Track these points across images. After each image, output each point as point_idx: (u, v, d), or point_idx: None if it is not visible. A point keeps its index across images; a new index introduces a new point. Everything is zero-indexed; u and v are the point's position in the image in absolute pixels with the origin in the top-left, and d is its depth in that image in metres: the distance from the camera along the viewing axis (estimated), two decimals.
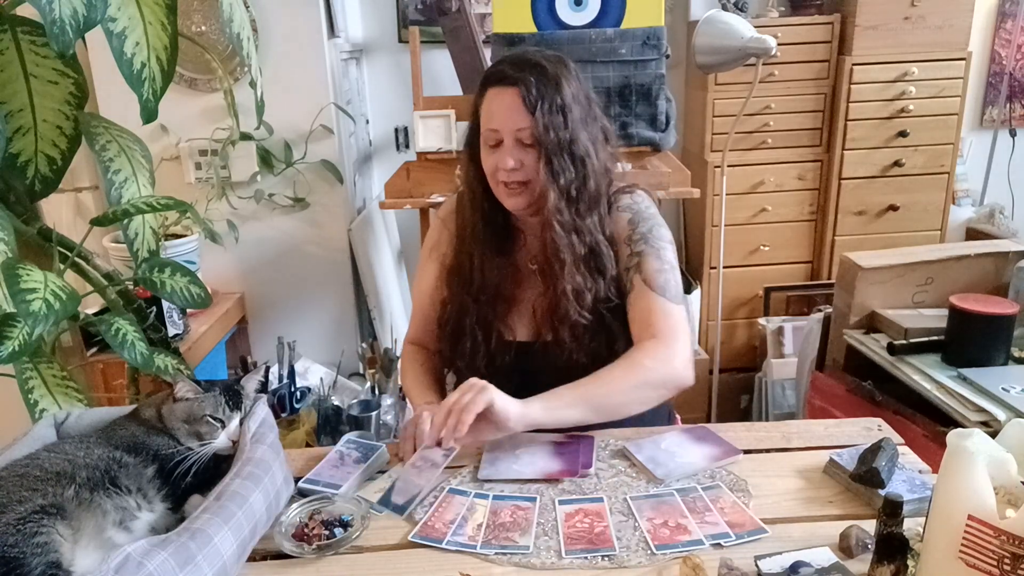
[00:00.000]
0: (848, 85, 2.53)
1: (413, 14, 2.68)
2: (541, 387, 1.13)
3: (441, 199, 2.10)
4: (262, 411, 1.04)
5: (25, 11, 1.22)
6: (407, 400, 1.39)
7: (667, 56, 2.15)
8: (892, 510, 0.80)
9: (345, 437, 1.19)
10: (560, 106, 1.18)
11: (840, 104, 2.56)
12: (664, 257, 1.25)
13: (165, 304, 1.85)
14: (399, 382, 2.31)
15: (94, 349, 1.81)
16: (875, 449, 1.03)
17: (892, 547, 0.81)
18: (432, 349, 1.42)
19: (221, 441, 0.99)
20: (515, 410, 1.06)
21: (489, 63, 2.32)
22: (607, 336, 1.25)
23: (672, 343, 1.18)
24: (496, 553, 0.93)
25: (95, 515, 0.85)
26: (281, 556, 0.94)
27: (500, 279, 1.29)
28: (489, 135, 1.22)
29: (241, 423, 1.01)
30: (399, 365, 1.45)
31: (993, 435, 0.81)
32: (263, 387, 2.07)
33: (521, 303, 1.31)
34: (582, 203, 1.23)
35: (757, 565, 0.87)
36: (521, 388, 1.11)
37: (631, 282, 1.24)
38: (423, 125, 2.26)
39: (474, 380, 1.08)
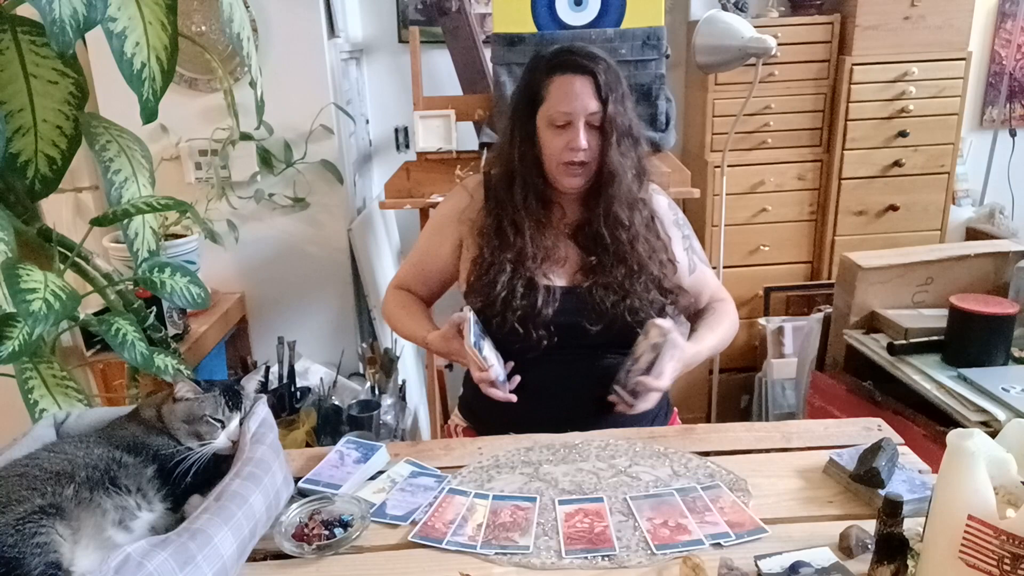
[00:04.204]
0: (848, 85, 2.53)
1: (413, 14, 2.68)
2: (582, 327, 1.31)
3: (441, 199, 2.09)
4: (262, 411, 1.04)
5: (25, 11, 1.22)
6: (398, 332, 1.54)
7: (667, 56, 2.15)
8: (892, 510, 0.80)
9: (345, 437, 1.19)
10: (622, 95, 1.32)
11: (840, 104, 2.56)
12: (697, 239, 1.53)
13: (165, 304, 1.85)
14: (399, 381, 2.31)
15: (94, 349, 1.81)
16: (875, 449, 1.03)
17: (892, 547, 0.81)
18: (419, 295, 1.56)
19: (221, 441, 0.99)
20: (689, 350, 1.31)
21: (489, 63, 2.31)
22: (656, 287, 1.38)
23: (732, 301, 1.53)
24: (496, 553, 0.93)
25: (95, 515, 0.85)
26: (281, 556, 0.94)
27: (543, 244, 1.37)
28: (559, 116, 1.30)
29: (241, 423, 1.01)
30: (384, 307, 1.57)
31: (993, 435, 0.81)
32: (263, 387, 2.07)
33: (557, 259, 1.39)
34: (641, 179, 1.38)
35: (757, 565, 0.87)
36: (561, 328, 1.31)
37: (692, 262, 1.48)
38: (423, 125, 2.26)
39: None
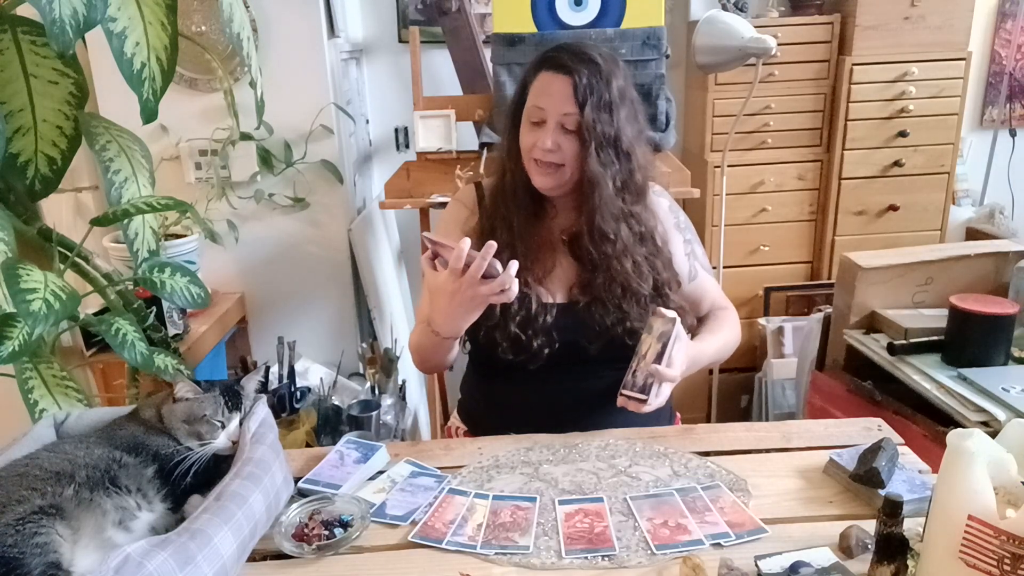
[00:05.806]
0: (848, 85, 2.53)
1: (413, 14, 2.68)
2: (580, 345, 1.28)
3: (441, 199, 2.10)
4: (262, 411, 1.04)
5: (25, 11, 1.22)
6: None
7: (667, 56, 2.15)
8: (892, 510, 0.80)
9: (345, 437, 1.19)
10: (608, 102, 1.25)
11: (840, 104, 2.56)
12: (700, 243, 1.48)
13: (165, 304, 1.85)
14: (399, 381, 2.31)
15: (94, 349, 1.81)
16: (875, 449, 1.03)
17: (892, 547, 0.81)
18: None
19: (221, 441, 0.99)
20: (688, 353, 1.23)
21: (489, 63, 2.32)
22: (651, 302, 1.32)
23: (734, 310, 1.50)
24: (496, 553, 0.93)
25: (95, 515, 0.85)
26: (281, 556, 0.94)
27: (534, 243, 1.33)
28: (534, 111, 1.27)
29: (241, 423, 1.01)
30: (410, 348, 1.41)
31: (993, 435, 0.81)
32: (263, 387, 2.07)
33: (554, 270, 1.35)
34: (629, 193, 1.31)
35: (757, 565, 0.87)
36: (561, 345, 1.27)
37: (693, 267, 1.44)
38: (423, 125, 2.26)
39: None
